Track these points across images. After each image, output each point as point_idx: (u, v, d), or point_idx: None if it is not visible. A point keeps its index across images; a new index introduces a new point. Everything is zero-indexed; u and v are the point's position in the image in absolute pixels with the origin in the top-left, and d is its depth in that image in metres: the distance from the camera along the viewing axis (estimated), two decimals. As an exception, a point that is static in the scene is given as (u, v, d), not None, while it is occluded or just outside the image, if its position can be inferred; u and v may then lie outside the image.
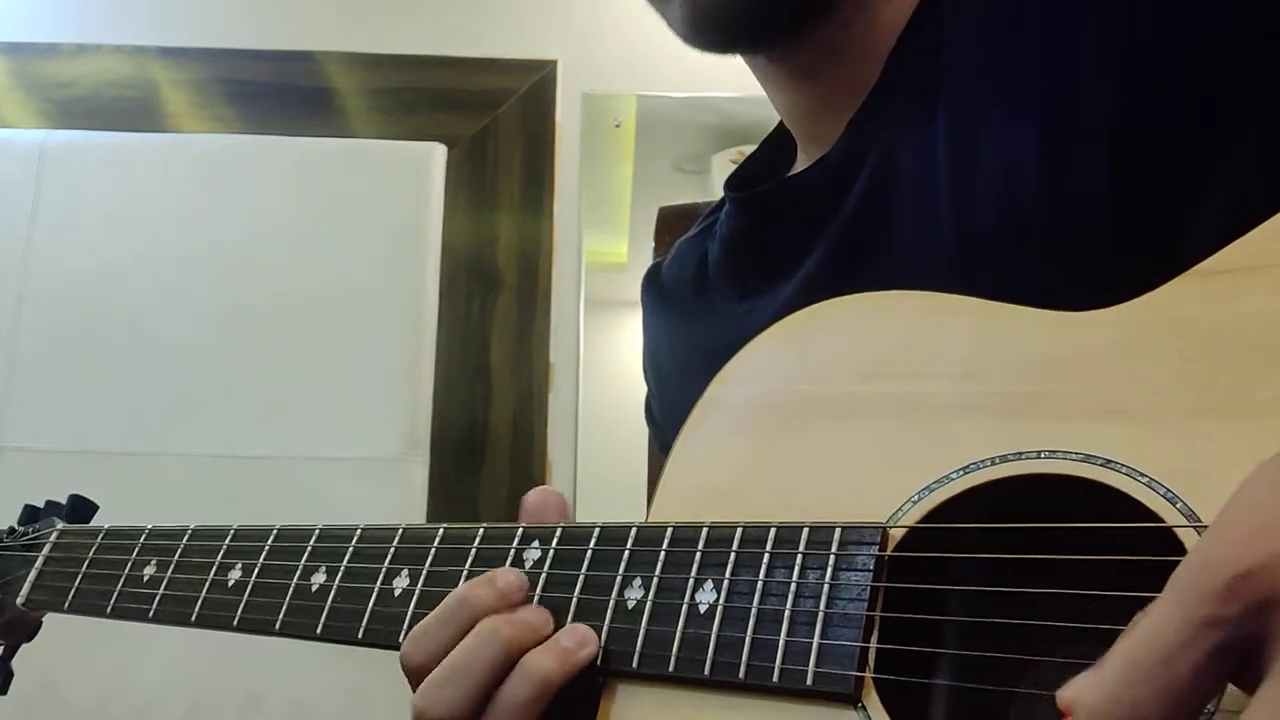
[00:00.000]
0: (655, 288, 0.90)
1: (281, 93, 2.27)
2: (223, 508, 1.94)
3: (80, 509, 0.94)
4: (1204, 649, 0.34)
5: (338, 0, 2.35)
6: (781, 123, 0.83)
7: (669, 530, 0.58)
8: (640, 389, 0.94)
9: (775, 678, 0.52)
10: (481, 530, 0.66)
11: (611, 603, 0.58)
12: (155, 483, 1.97)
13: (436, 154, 2.19)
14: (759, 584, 0.54)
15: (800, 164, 0.80)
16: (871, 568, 0.52)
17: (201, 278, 2.08)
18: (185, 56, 2.27)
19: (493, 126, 2.26)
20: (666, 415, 0.87)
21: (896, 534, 0.52)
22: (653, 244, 2.32)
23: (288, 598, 0.71)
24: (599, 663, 0.58)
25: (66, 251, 2.09)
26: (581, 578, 0.60)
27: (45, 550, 0.88)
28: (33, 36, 2.29)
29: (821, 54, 0.74)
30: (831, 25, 0.72)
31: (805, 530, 0.54)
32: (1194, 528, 0.44)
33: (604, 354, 2.38)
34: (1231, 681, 0.35)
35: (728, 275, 0.81)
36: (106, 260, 2.08)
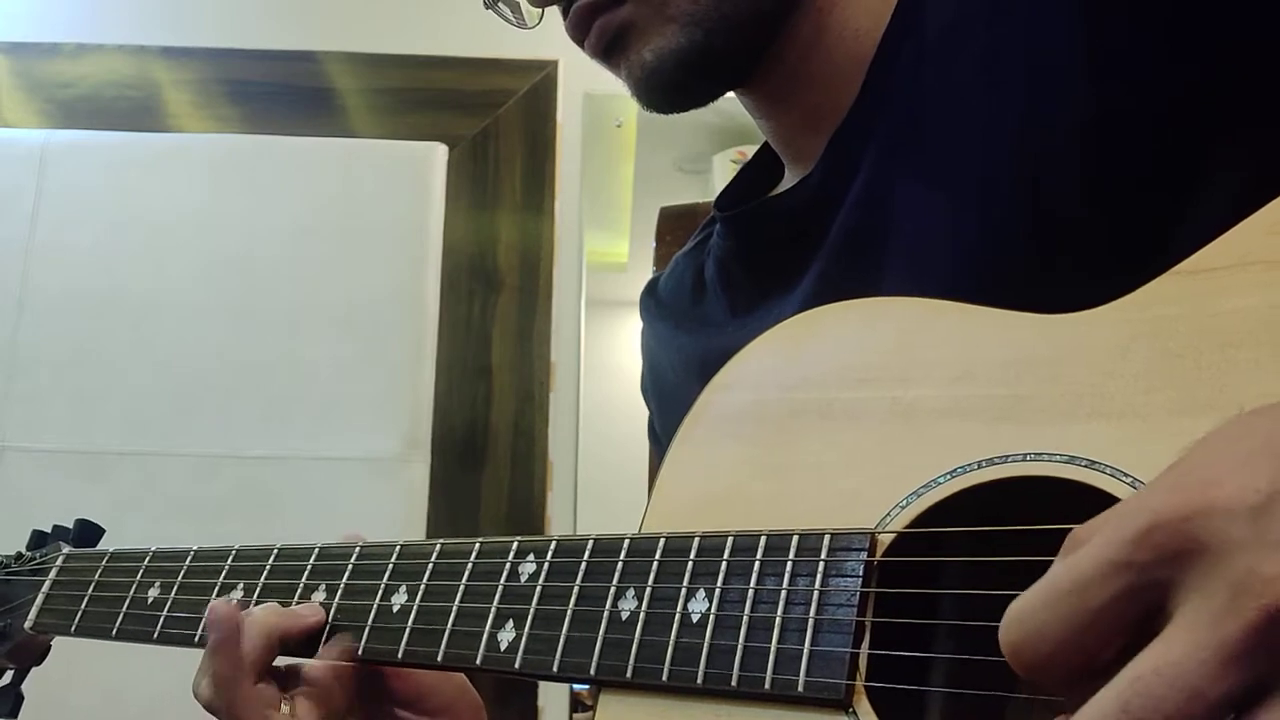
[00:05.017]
0: (653, 301, 0.90)
1: (283, 93, 2.27)
2: (223, 508, 1.95)
3: (86, 533, 0.94)
4: (1113, 588, 0.35)
5: (339, 0, 2.36)
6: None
7: (661, 541, 0.59)
8: (640, 387, 0.95)
9: (767, 685, 0.52)
10: (477, 545, 0.67)
11: (605, 614, 0.58)
12: (155, 483, 1.98)
13: (438, 154, 2.19)
14: (750, 592, 0.54)
15: (787, 182, 0.81)
16: (860, 573, 0.52)
17: (202, 278, 2.08)
18: (187, 56, 2.28)
19: (494, 126, 2.26)
20: (668, 430, 0.88)
21: (885, 539, 0.53)
22: (654, 244, 2.32)
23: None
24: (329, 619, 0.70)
25: (68, 251, 2.09)
26: (576, 590, 0.60)
27: (52, 574, 0.89)
28: (35, 36, 2.29)
29: (788, 82, 0.75)
30: (787, 57, 0.73)
31: (795, 537, 0.54)
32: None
33: (605, 354, 2.38)
34: (1144, 628, 0.35)
35: (720, 291, 0.82)
36: (107, 260, 2.09)
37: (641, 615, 0.57)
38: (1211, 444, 0.37)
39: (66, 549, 0.91)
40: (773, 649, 0.52)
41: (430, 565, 0.68)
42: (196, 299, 2.07)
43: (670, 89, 0.73)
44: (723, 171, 2.47)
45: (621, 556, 0.60)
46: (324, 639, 0.71)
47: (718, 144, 2.47)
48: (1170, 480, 0.36)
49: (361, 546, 0.73)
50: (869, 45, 0.70)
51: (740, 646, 0.53)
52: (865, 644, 0.51)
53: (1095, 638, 0.36)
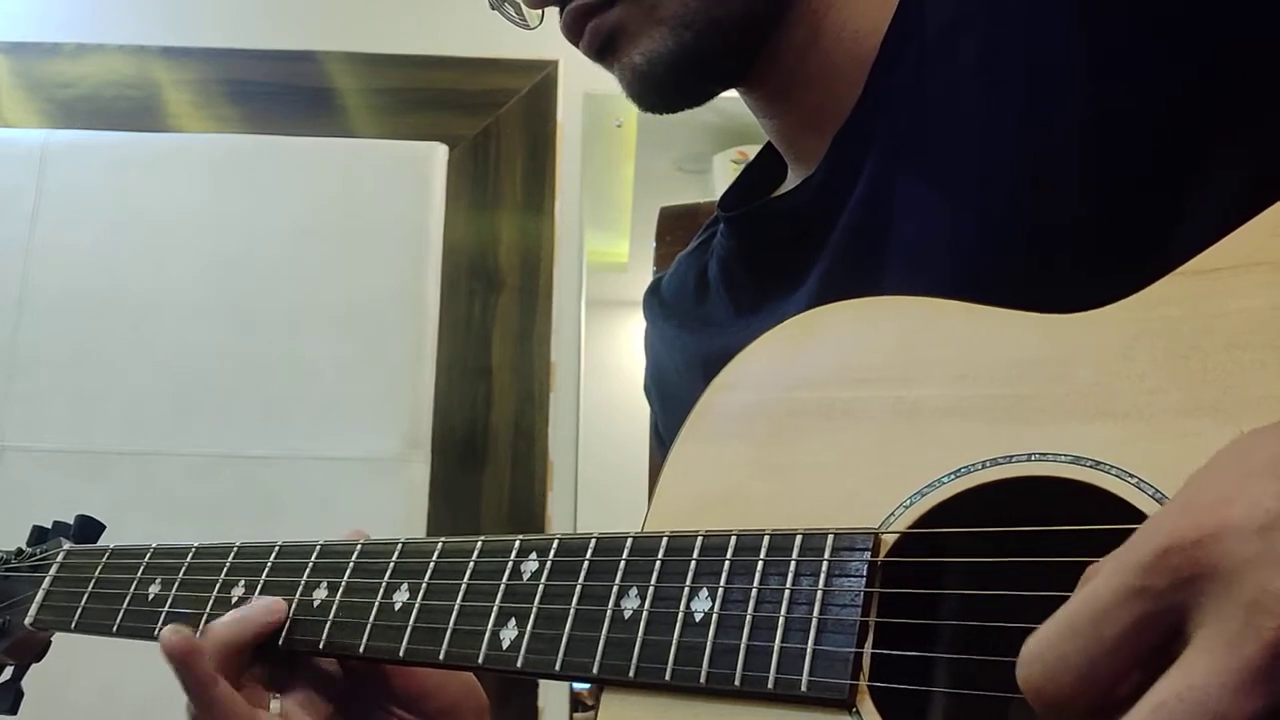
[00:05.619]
0: (657, 301, 0.90)
1: (283, 93, 2.27)
2: (223, 507, 1.95)
3: (87, 529, 0.94)
4: (1130, 615, 0.35)
5: (339, 0, 2.36)
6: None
7: (664, 539, 0.59)
8: (641, 387, 0.95)
9: (770, 685, 0.52)
10: (479, 544, 0.66)
11: (608, 613, 0.58)
12: (155, 483, 1.98)
13: (438, 154, 2.19)
14: (753, 591, 0.54)
15: (790, 182, 0.81)
16: (864, 573, 0.52)
17: (202, 278, 2.09)
18: (187, 56, 2.28)
19: (494, 126, 2.26)
20: (671, 429, 0.88)
21: (889, 539, 0.52)
22: (654, 244, 2.32)
23: (291, 613, 0.72)
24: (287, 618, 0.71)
25: (68, 251, 2.10)
26: (578, 589, 0.60)
27: (52, 570, 0.89)
28: (35, 36, 2.29)
29: (787, 82, 0.75)
30: (783, 58, 0.73)
31: (799, 537, 0.54)
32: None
33: (605, 354, 2.38)
34: (1163, 654, 0.35)
35: (724, 291, 0.82)
36: (107, 260, 2.09)
37: (644, 614, 0.57)
38: (1218, 465, 0.37)
39: (67, 545, 0.91)
40: (776, 648, 0.52)
41: (432, 563, 0.68)
42: (196, 299, 2.07)
43: (663, 90, 0.73)
44: (723, 171, 2.48)
45: (624, 555, 0.60)
46: (284, 632, 0.71)
47: (718, 144, 2.47)
48: (1179, 504, 0.36)
49: (363, 544, 0.73)
50: (869, 47, 0.70)
51: (743, 646, 0.53)
52: (869, 644, 0.51)
53: (1115, 668, 0.36)
